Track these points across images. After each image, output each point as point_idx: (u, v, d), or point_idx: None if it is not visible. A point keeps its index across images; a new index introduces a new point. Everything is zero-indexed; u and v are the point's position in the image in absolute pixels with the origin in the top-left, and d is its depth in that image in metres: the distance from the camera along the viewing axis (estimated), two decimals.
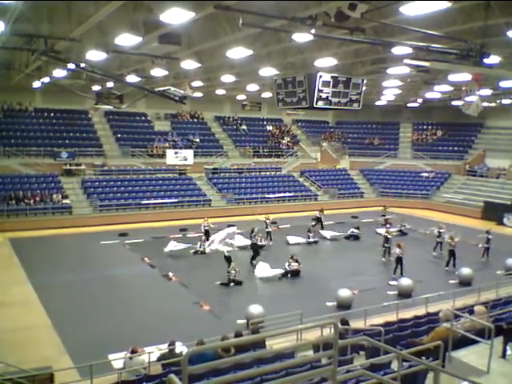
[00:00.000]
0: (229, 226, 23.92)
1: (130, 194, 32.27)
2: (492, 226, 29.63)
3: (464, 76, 19.59)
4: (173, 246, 22.72)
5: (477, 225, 30.69)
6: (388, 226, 24.92)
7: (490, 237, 23.02)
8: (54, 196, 29.58)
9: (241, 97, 38.91)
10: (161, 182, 34.69)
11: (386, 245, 22.77)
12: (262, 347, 10.86)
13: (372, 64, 21.80)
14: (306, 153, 43.53)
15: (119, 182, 33.21)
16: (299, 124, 47.31)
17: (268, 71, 22.04)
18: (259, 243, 22.31)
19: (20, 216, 28.02)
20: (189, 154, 35.62)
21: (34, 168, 31.75)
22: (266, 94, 34.18)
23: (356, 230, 27.35)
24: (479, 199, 35.55)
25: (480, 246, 22.81)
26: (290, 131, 45.77)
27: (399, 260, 19.95)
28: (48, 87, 29.17)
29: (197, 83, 27.45)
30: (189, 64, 20.30)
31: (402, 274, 19.66)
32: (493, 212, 33.07)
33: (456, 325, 8.97)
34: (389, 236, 22.79)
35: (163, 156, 35.56)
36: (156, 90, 19.05)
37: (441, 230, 23.53)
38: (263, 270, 19.75)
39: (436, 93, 31.51)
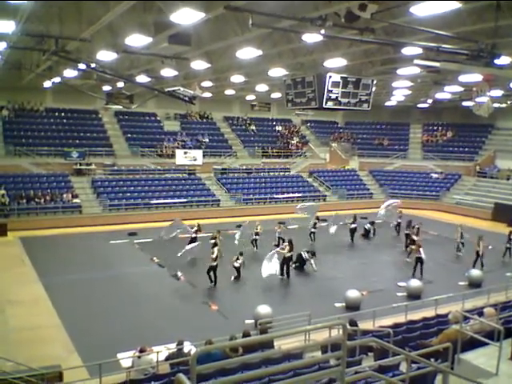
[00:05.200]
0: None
1: (139, 194, 32.38)
2: (502, 227, 29.53)
3: (475, 77, 19.52)
4: None
5: (487, 226, 30.51)
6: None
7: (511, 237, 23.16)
8: (64, 195, 29.76)
9: (250, 97, 38.97)
10: (170, 181, 34.78)
11: (411, 246, 22.69)
12: (270, 347, 10.87)
13: (382, 64, 21.76)
14: (315, 153, 43.47)
15: (129, 182, 33.34)
16: (308, 124, 47.25)
17: (277, 71, 22.06)
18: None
19: (30, 215, 28.22)
20: (198, 154, 35.76)
21: (45, 167, 31.96)
22: (276, 95, 34.22)
23: (370, 226, 27.64)
24: (489, 201, 35.33)
25: (490, 247, 22.64)
26: (299, 132, 45.74)
27: (419, 260, 19.94)
28: (58, 87, 29.37)
29: (206, 83, 27.53)
30: (198, 64, 20.39)
31: (414, 274, 19.60)
32: (503, 213, 32.84)
33: (465, 327, 8.92)
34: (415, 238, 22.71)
35: (172, 156, 35.72)
36: (166, 90, 19.10)
37: (461, 231, 23.83)
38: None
39: (446, 93, 31.37)
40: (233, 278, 19.31)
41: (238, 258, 19.49)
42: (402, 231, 27.14)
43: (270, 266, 18.94)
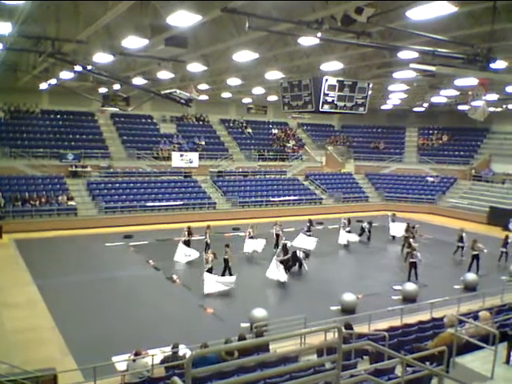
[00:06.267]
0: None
1: (135, 196, 32.29)
2: (497, 231, 29.62)
3: (470, 81, 19.54)
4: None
5: (482, 230, 30.57)
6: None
7: (509, 241, 23.28)
8: (60, 198, 29.66)
9: (246, 100, 39.02)
10: (166, 184, 34.71)
11: (407, 250, 22.60)
12: (266, 351, 10.84)
13: (378, 68, 21.80)
14: (311, 156, 43.52)
15: (124, 184, 33.26)
16: (304, 127, 47.31)
17: (274, 74, 22.09)
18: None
19: (25, 217, 28.09)
20: (194, 156, 35.75)
21: (40, 169, 31.83)
22: (272, 98, 34.30)
23: (367, 225, 27.67)
24: (485, 204, 35.43)
25: (485, 251, 22.66)
26: (295, 135, 45.76)
27: (413, 265, 20.00)
28: (55, 89, 29.32)
29: (203, 86, 27.53)
30: (195, 67, 20.39)
31: (409, 278, 19.66)
32: (498, 217, 32.95)
33: (460, 330, 8.93)
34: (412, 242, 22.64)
35: (168, 158, 35.66)
36: (162, 92, 19.10)
37: (463, 235, 23.83)
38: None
39: (442, 97, 31.48)
40: (222, 272, 19.38)
41: (226, 252, 19.58)
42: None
43: (279, 274, 19.17)
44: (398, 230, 27.80)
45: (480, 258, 21.27)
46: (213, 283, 18.03)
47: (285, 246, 20.74)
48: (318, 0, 11.36)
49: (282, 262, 19.75)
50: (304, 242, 24.05)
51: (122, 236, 26.48)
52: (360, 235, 27.45)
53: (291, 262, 20.85)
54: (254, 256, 22.99)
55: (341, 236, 26.28)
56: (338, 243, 26.02)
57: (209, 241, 22.44)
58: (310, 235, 25.41)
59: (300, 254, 21.06)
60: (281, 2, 11.87)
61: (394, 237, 28.00)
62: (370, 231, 27.57)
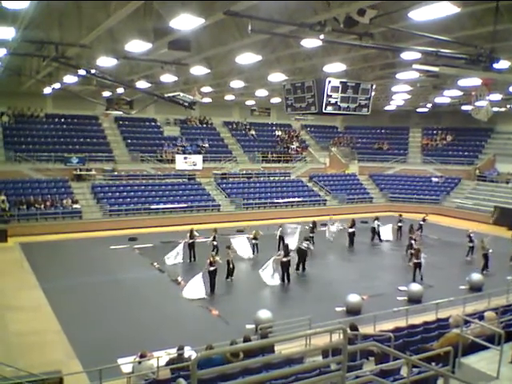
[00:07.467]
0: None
1: (139, 199, 32.39)
2: (503, 231, 29.52)
3: (474, 81, 19.53)
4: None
5: (488, 230, 30.47)
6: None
7: None
8: (65, 201, 29.78)
9: (250, 102, 39.05)
10: (170, 187, 34.81)
11: (411, 250, 22.54)
12: (271, 352, 10.84)
13: (381, 69, 21.80)
14: (315, 158, 43.51)
15: (129, 187, 33.36)
16: (308, 129, 47.30)
17: (277, 77, 22.12)
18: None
19: (30, 221, 28.22)
20: (198, 159, 35.78)
21: (45, 173, 31.96)
22: (275, 100, 34.32)
23: (377, 222, 27.76)
24: (490, 204, 35.34)
25: (491, 251, 22.54)
26: (298, 136, 45.77)
27: (417, 265, 19.98)
28: (59, 93, 29.41)
29: (206, 89, 27.57)
30: (198, 70, 20.45)
31: (414, 279, 19.63)
32: (503, 217, 32.83)
33: (466, 331, 8.91)
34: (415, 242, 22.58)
35: (172, 161, 35.71)
36: (165, 95, 19.12)
37: (471, 235, 23.77)
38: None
39: (445, 98, 31.43)
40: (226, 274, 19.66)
41: (227, 253, 19.75)
42: (404, 235, 27.19)
43: (271, 276, 19.35)
44: (386, 233, 28.12)
45: (489, 258, 21.16)
46: (193, 288, 17.93)
47: (287, 246, 20.61)
48: (320, 0, 11.38)
49: (282, 264, 19.70)
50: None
51: (127, 239, 26.53)
52: (373, 237, 27.60)
53: (297, 258, 20.83)
54: (259, 258, 23.00)
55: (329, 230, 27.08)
56: (342, 243, 26.17)
57: (215, 243, 22.39)
58: (312, 237, 25.37)
59: (304, 245, 21.14)
60: (283, 5, 11.90)
61: (400, 236, 28.05)
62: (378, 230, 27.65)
